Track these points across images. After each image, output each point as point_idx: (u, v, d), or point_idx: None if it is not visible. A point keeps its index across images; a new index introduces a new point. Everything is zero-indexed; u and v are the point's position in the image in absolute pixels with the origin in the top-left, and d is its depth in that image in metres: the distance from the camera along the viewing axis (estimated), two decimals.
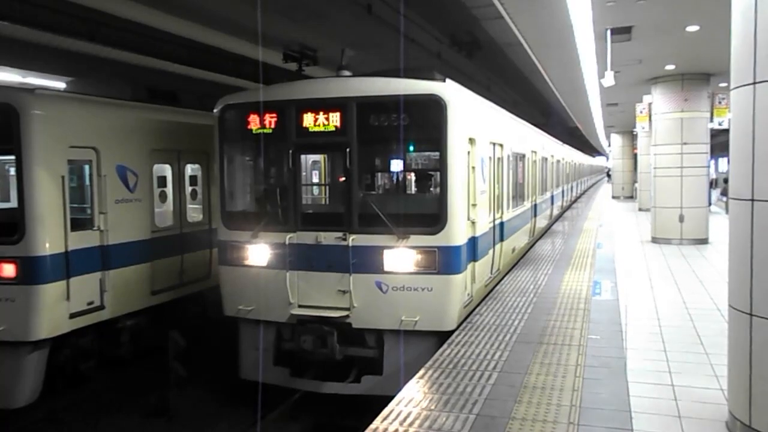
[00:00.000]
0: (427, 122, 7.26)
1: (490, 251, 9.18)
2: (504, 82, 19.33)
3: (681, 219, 14.82)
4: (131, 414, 8.29)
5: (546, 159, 17.57)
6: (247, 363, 7.88)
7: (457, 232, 7.17)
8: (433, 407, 5.10)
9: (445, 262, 7.07)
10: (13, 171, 8.28)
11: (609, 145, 45.24)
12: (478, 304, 8.55)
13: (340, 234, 7.31)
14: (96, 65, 13.06)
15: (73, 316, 7.72)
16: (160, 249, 9.27)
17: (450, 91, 7.21)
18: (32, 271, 7.29)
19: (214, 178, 9.23)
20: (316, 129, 7.39)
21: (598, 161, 74.66)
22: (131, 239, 8.70)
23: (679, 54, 12.47)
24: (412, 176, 8.95)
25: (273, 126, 7.63)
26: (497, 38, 13.60)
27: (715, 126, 15.65)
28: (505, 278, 10.62)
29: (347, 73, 7.94)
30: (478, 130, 8.35)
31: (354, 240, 7.23)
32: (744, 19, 4.39)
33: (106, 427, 7.99)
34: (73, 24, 9.88)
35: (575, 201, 33.92)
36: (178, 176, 9.99)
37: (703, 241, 14.86)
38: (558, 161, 21.62)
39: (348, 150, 7.28)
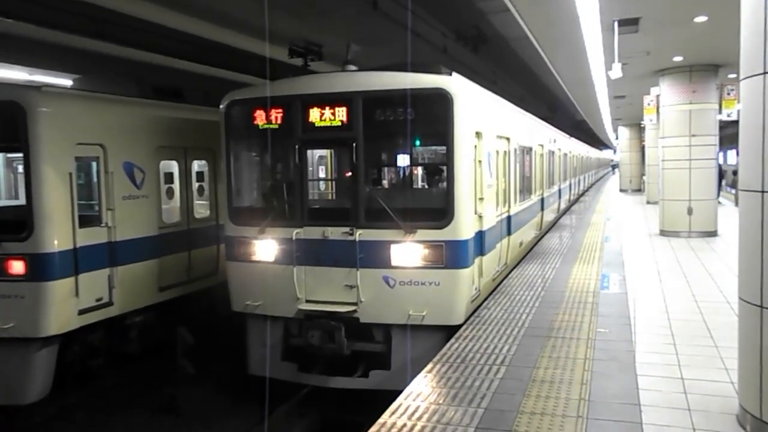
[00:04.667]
0: (433, 116, 7.22)
1: (498, 245, 9.15)
2: (510, 76, 19.24)
3: (689, 211, 14.72)
4: (140, 410, 8.33)
5: (553, 152, 17.50)
6: (255, 358, 7.89)
7: (464, 226, 7.15)
8: (441, 401, 5.09)
9: (452, 256, 7.05)
10: (21, 168, 8.30)
11: (616, 138, 45.01)
12: (486, 298, 8.54)
13: (347, 229, 7.30)
14: (102, 62, 13.09)
15: (81, 312, 7.75)
16: (167, 245, 9.29)
17: (456, 84, 7.17)
18: (41, 268, 7.32)
19: (220, 174, 9.24)
20: (323, 124, 7.37)
21: (606, 154, 74.41)
22: (139, 235, 8.72)
23: (687, 45, 12.37)
24: (418, 170, 8.93)
25: (279, 121, 7.62)
26: (503, 32, 13.54)
27: (724, 117, 15.53)
28: (513, 272, 10.59)
29: (353, 67, 7.90)
30: (485, 124, 8.31)
31: (361, 235, 7.22)
32: (754, 9, 4.34)
33: (115, 423, 8.05)
34: (79, 21, 9.90)
35: (583, 194, 33.78)
36: (185, 172, 10.00)
37: (712, 234, 14.77)
38: (565, 154, 21.54)
39: (354, 145, 7.26)
